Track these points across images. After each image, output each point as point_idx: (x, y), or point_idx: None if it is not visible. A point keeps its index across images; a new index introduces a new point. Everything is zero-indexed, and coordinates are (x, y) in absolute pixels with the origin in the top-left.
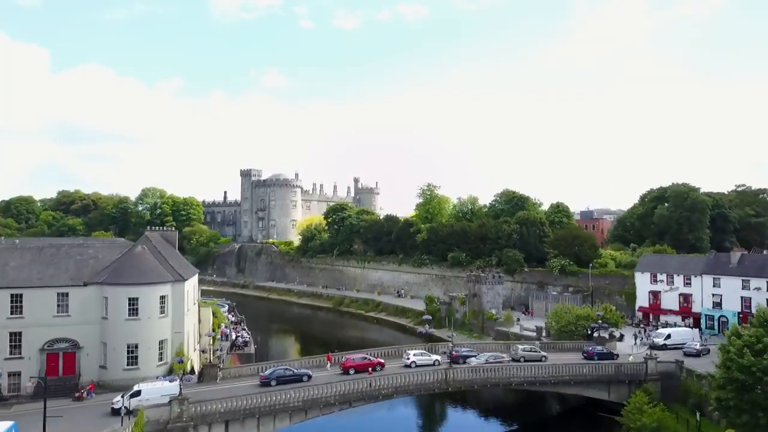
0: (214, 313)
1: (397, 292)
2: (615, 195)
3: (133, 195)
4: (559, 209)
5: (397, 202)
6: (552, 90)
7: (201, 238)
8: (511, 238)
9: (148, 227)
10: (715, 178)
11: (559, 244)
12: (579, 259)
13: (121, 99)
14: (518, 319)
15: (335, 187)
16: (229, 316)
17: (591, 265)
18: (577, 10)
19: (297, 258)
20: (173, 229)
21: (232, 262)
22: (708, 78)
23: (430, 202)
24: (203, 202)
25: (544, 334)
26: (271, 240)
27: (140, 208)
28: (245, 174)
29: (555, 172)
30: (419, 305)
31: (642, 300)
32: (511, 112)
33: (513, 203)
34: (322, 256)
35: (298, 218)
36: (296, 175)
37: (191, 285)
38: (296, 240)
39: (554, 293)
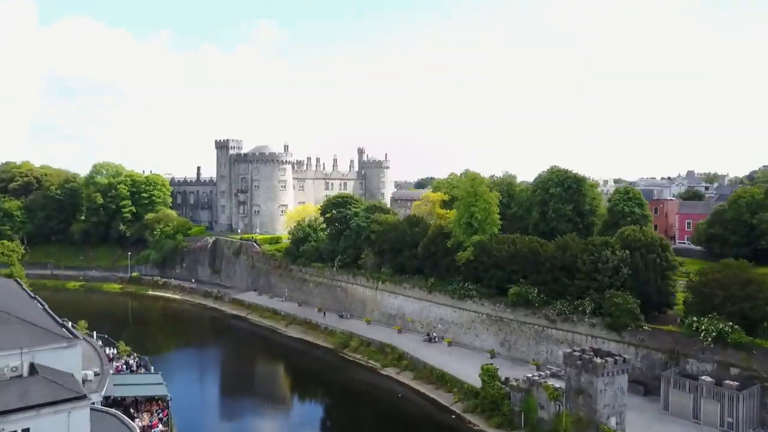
0: None
1: (428, 334)
2: (618, 161)
3: (124, 158)
4: (629, 195)
5: (403, 174)
6: (549, 49)
7: (167, 228)
8: (620, 273)
9: (102, 212)
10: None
11: (709, 292)
12: (745, 316)
13: (109, 52)
14: None
15: (335, 160)
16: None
17: None
18: None
19: (285, 265)
20: None
21: (205, 261)
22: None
23: (475, 202)
24: (172, 179)
25: None
26: (253, 235)
27: (92, 189)
28: (221, 146)
29: (556, 136)
30: (464, 365)
31: None
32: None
33: (566, 186)
34: (319, 265)
35: (289, 203)
36: (285, 147)
37: None
38: (286, 233)
39: (706, 378)
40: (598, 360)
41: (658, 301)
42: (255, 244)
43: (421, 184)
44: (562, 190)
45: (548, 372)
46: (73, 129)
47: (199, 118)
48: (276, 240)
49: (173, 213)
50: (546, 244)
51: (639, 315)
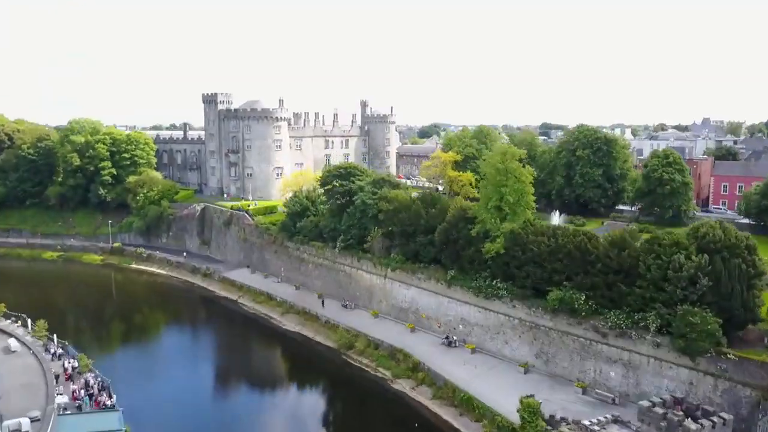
0: None
1: (447, 337)
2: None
3: (110, 113)
4: (668, 160)
5: (406, 119)
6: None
7: (151, 192)
8: (697, 285)
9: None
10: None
11: None
12: None
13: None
14: None
15: (335, 115)
16: None
17: None
18: None
19: (281, 241)
20: None
21: (193, 230)
22: None
23: (505, 181)
24: (157, 137)
25: None
26: (245, 202)
27: (68, 148)
28: (209, 100)
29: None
30: (494, 383)
31: None
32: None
33: (595, 148)
34: (318, 244)
35: (285, 165)
36: (280, 102)
37: None
38: (283, 199)
39: None
40: (692, 425)
41: (743, 318)
42: (247, 215)
43: (425, 133)
44: (591, 152)
45: (609, 417)
46: (59, 83)
47: (190, 69)
48: (271, 210)
49: (158, 175)
50: (596, 239)
51: (720, 338)
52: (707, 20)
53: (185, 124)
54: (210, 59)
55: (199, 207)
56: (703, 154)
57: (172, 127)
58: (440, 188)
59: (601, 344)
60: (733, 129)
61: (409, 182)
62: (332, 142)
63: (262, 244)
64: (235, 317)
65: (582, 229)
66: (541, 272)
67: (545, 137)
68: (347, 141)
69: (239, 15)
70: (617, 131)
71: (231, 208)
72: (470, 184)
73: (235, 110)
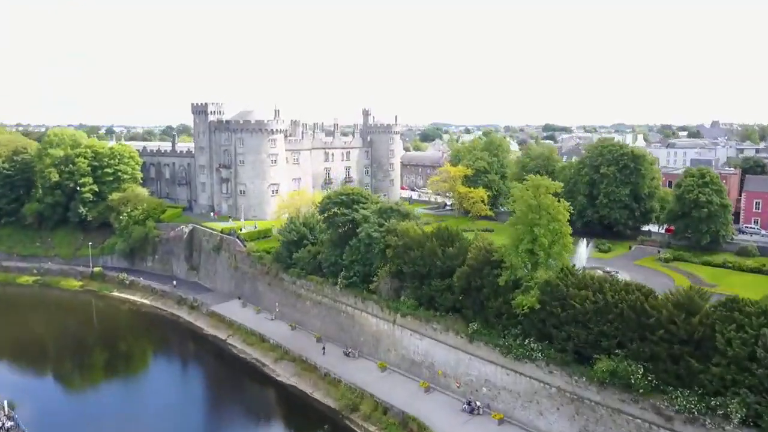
0: None
1: (469, 402)
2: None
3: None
4: (704, 178)
5: (407, 118)
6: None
7: (135, 211)
8: None
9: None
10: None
11: None
12: None
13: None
14: None
15: (336, 125)
16: None
17: None
18: None
19: (275, 272)
20: None
21: (180, 254)
22: None
23: (538, 219)
24: (143, 149)
25: None
26: (236, 224)
27: (46, 162)
28: (199, 110)
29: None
30: None
31: None
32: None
33: (621, 165)
34: (317, 279)
35: (281, 180)
36: (276, 112)
37: None
38: (277, 218)
39: None
40: None
41: None
42: (238, 241)
43: (427, 135)
44: (617, 169)
45: None
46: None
47: (189, 70)
48: (264, 234)
49: (143, 192)
50: (653, 297)
51: None
52: (711, 21)
53: (173, 136)
54: (210, 60)
55: (186, 229)
56: (726, 164)
57: (169, 129)
58: (448, 203)
59: (665, 429)
60: (749, 134)
61: (413, 194)
62: (332, 154)
63: (254, 273)
64: (224, 361)
65: (635, 283)
66: (585, 335)
67: (551, 141)
68: (348, 153)
69: (239, 17)
70: (629, 138)
71: (221, 231)
72: (482, 201)
73: (227, 122)
